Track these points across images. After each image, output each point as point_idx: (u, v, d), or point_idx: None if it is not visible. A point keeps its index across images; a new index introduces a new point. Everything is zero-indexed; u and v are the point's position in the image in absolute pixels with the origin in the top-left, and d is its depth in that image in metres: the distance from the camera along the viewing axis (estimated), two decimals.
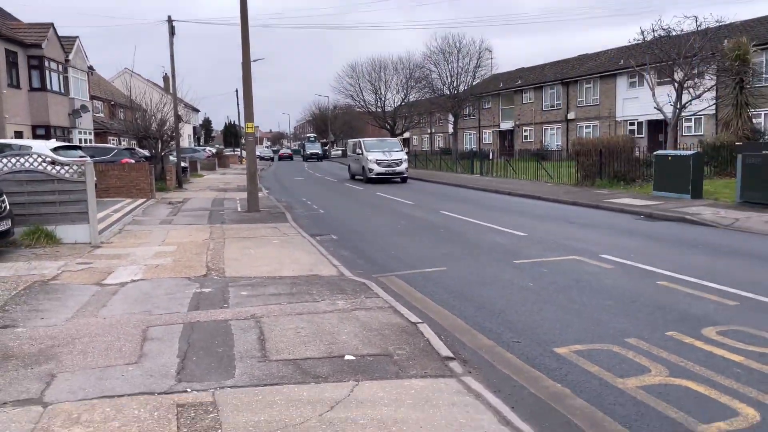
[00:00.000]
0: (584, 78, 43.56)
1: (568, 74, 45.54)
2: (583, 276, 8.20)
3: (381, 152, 29.08)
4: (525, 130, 50.76)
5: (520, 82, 51.55)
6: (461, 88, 49.29)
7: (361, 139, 32.33)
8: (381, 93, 62.27)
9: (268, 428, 3.60)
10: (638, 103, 37.14)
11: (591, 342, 5.53)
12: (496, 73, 54.32)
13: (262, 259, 9.34)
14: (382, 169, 28.47)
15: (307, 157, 76.82)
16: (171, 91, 29.39)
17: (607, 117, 41.37)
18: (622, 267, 8.71)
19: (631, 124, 39.44)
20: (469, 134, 60.07)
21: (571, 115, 44.86)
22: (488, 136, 56.72)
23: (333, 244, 11.41)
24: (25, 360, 4.72)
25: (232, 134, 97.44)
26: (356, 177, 31.65)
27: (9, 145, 16.23)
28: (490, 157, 39.78)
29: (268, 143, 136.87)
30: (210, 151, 55.93)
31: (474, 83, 50.60)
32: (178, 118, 27.19)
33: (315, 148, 78.10)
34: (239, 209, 17.46)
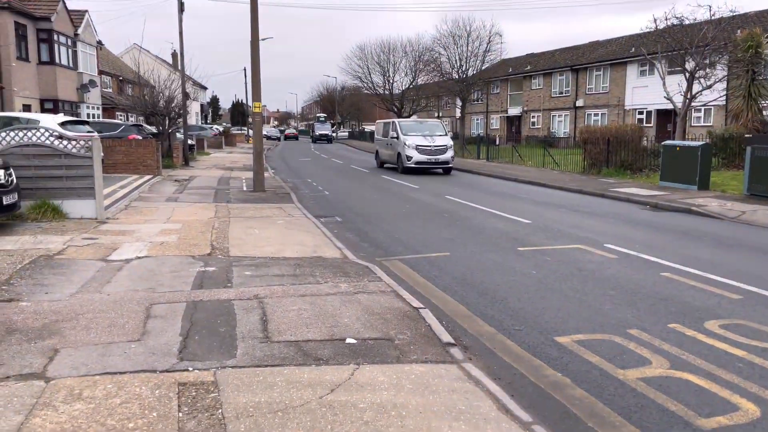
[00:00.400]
0: (594, 65, 43.14)
1: (579, 61, 45.12)
2: (587, 265, 8.18)
3: (421, 136, 24.02)
4: (533, 117, 50.46)
5: (529, 67, 51.11)
6: (470, 72, 48.86)
7: (396, 120, 26.49)
8: (389, 75, 61.77)
9: (268, 409, 3.63)
10: (648, 91, 36.80)
11: (592, 332, 5.53)
12: (505, 58, 53.74)
13: (267, 240, 9.36)
14: (423, 158, 23.45)
15: (317, 138, 72.51)
16: (179, 68, 29.26)
17: (616, 105, 41.03)
18: (626, 257, 8.68)
19: (640, 113, 39.12)
20: (477, 119, 59.77)
21: (579, 103, 44.52)
22: (496, 122, 56.42)
23: (337, 226, 11.42)
24: (28, 334, 4.76)
25: (239, 113, 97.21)
26: (387, 165, 26.85)
27: (17, 119, 16.25)
28: (497, 142, 39.56)
29: (275, 123, 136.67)
30: (217, 129, 55.86)
31: (483, 68, 50.13)
32: (185, 96, 27.09)
33: (325, 129, 73.69)
34: (245, 189, 17.47)
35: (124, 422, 3.40)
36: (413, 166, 23.60)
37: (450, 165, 24.20)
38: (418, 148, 23.59)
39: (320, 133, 72.31)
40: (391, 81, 61.80)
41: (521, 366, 4.79)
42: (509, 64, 54.19)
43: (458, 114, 56.03)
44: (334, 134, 77.70)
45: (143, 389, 3.84)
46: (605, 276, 7.61)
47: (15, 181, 9.42)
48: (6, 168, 9.17)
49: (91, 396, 3.72)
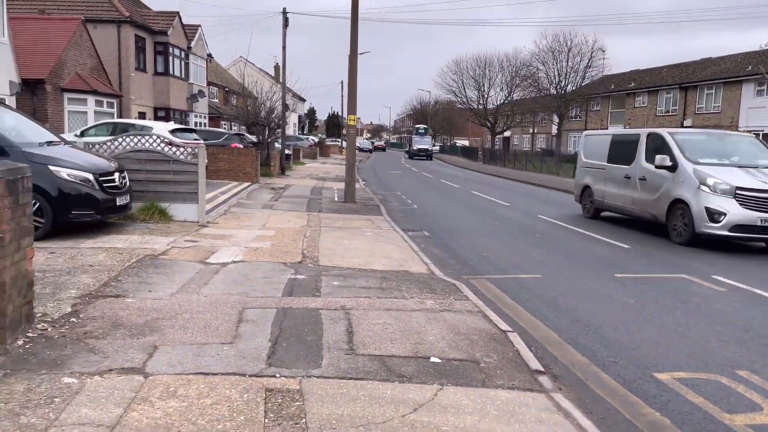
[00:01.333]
0: (706, 83, 40.63)
1: (688, 78, 42.68)
2: (692, 297, 7.63)
3: (737, 169, 11.83)
4: None
5: (633, 84, 48.97)
6: (569, 88, 47.62)
7: (664, 132, 13.24)
8: (484, 90, 61.51)
9: (351, 423, 3.62)
10: (766, 113, 34.18)
11: (696, 370, 5.13)
12: (607, 74, 51.97)
13: (355, 251, 9.46)
14: (753, 216, 10.93)
15: (414, 154, 60.41)
16: (280, 81, 30.50)
17: (729, 126, 38.37)
18: (736, 291, 8.03)
19: (756, 135, 36.38)
20: (574, 136, 57.86)
21: (687, 122, 42.04)
22: None
23: (425, 240, 11.37)
24: (132, 330, 5.05)
25: (334, 125, 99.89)
26: (612, 214, 15.29)
27: (133, 125, 17.52)
28: None
29: (368, 135, 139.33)
30: (313, 140, 57.66)
31: (583, 83, 48.70)
32: (285, 107, 28.17)
33: (424, 143, 62.00)
34: (336, 199, 17.84)
35: (213, 423, 3.51)
36: (725, 233, 11.08)
37: None
38: (740, 195, 11.08)
39: (419, 147, 60.98)
40: (485, 96, 61.45)
41: (615, 401, 4.51)
42: (611, 81, 52.20)
43: (554, 131, 54.60)
44: (434, 148, 65.86)
45: (233, 392, 3.95)
46: (712, 310, 7.06)
47: (128, 183, 10.11)
48: (121, 171, 9.87)
49: (185, 394, 3.87)
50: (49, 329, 4.89)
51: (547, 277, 8.57)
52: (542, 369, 4.82)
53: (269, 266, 7.92)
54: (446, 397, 4.13)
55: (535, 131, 66.75)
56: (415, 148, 61.25)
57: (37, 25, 22.38)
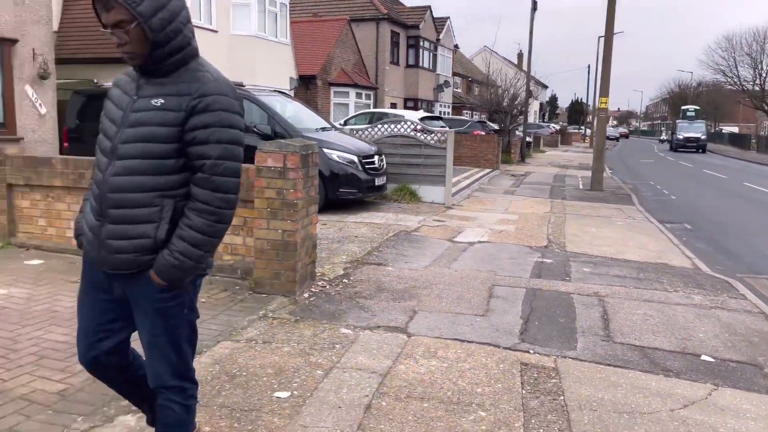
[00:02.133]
0: None
1: None
2: None
3: None
4: None
5: None
6: None
7: None
8: (762, 68, 52.92)
9: (612, 408, 3.47)
10: None
11: None
12: None
13: (603, 239, 8.98)
14: None
15: (679, 145, 45.75)
16: (524, 68, 30.08)
17: None
18: None
19: None
20: None
21: None
22: None
23: (686, 233, 10.29)
24: (393, 294, 5.50)
25: (577, 111, 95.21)
26: None
27: (386, 114, 18.91)
28: None
29: (614, 122, 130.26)
30: (554, 127, 55.77)
31: None
32: (529, 94, 27.71)
33: (695, 130, 46.25)
34: (581, 187, 17.07)
35: (473, 386, 3.66)
36: None
37: None
38: None
39: (686, 135, 46.02)
40: (763, 75, 52.87)
41: None
42: None
43: None
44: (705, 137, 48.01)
45: (488, 360, 4.07)
46: None
47: (385, 166, 10.97)
48: (379, 155, 10.74)
49: (444, 356, 4.10)
50: (327, 287, 5.57)
51: None
52: None
53: (514, 248, 7.93)
54: (722, 398, 3.71)
55: None
56: (680, 136, 46.28)
57: (311, 26, 25.38)
